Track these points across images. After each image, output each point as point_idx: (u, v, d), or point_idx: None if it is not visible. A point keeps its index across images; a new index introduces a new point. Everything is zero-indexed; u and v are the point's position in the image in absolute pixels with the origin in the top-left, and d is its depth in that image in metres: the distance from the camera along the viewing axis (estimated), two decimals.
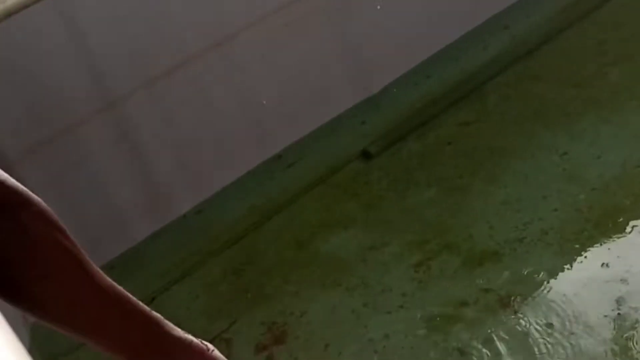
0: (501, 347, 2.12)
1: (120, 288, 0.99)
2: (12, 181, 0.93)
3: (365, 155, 3.11)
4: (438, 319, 2.29)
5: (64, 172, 2.83)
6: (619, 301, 2.13)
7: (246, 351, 2.45)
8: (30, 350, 2.63)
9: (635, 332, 2.03)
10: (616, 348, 2.01)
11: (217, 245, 2.97)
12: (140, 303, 1.00)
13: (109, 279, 0.98)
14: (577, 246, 2.36)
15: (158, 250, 3.00)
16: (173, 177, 3.07)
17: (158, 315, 1.02)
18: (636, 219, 2.38)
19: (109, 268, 2.94)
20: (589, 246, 2.34)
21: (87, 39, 2.70)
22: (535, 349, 2.07)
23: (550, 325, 2.12)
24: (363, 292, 2.52)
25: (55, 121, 2.76)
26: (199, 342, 1.06)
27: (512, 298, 2.25)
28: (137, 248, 3.03)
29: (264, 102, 3.11)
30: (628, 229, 2.36)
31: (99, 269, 0.98)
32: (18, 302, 0.95)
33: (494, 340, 2.14)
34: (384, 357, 2.25)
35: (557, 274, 2.28)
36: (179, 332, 1.02)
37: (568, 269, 2.28)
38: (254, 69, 3.04)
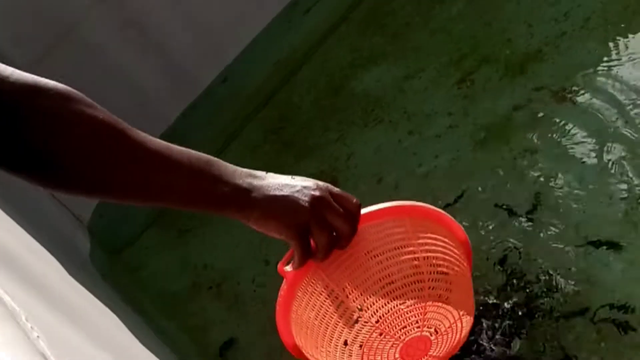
0: (571, 132, 2.02)
1: (168, 144, 0.93)
2: (18, 74, 0.86)
3: None
4: (493, 127, 2.19)
5: (79, 71, 2.73)
6: None
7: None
8: (92, 250, 2.67)
9: None
10: None
11: (250, 108, 2.89)
12: (198, 153, 0.95)
13: (159, 140, 0.93)
14: (623, 25, 2.19)
15: (193, 126, 2.95)
16: (189, 52, 2.95)
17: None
18: None
19: None
20: (637, 23, 2.17)
21: None
22: (606, 125, 1.97)
23: (613, 104, 2.01)
24: (407, 123, 2.43)
25: (55, 25, 2.65)
26: None
27: (567, 90, 2.12)
28: (171, 128, 2.98)
29: None
30: None
31: (146, 134, 0.92)
32: (81, 190, 0.90)
33: (559, 132, 2.04)
34: (439, 176, 2.18)
35: (608, 58, 2.13)
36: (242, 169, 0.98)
37: (617, 50, 2.13)
38: None
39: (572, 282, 1.72)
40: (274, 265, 2.34)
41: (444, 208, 2.11)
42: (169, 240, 2.71)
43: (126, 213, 2.86)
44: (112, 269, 2.62)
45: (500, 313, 1.74)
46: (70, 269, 2.00)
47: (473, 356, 1.67)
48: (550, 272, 1.77)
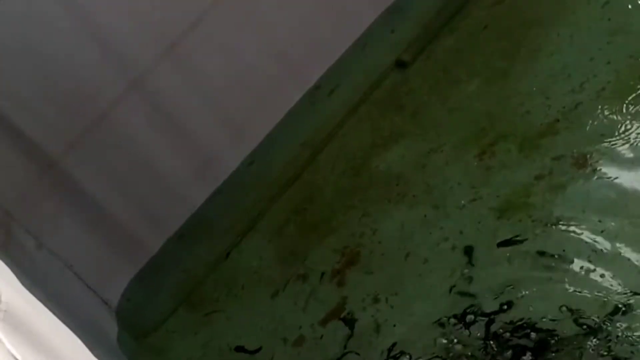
0: (593, 199, 2.02)
1: None
2: None
3: (400, 64, 3.01)
4: (515, 198, 2.20)
5: (108, 159, 2.83)
6: None
7: (322, 280, 2.43)
8: (120, 335, 2.68)
9: None
10: None
11: (275, 190, 2.93)
12: None
13: None
14: (637, 94, 2.22)
15: (220, 209, 2.98)
16: (216, 136, 3.03)
17: None
18: None
19: (178, 237, 2.95)
20: None
21: (95, 20, 2.67)
22: (625, 189, 1.97)
23: (632, 168, 2.01)
24: (430, 197, 2.45)
25: (87, 112, 2.75)
26: None
27: (588, 156, 2.14)
28: (200, 212, 3.02)
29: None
30: None
31: None
32: None
33: (580, 199, 2.04)
34: (468, 253, 2.18)
35: (624, 126, 2.15)
36: None
37: (631, 118, 2.16)
38: (269, 7, 2.95)
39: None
40: (292, 343, 2.29)
41: (470, 276, 2.12)
42: (194, 323, 2.70)
43: (153, 297, 2.87)
44: (139, 352, 2.61)
45: None
46: (98, 353, 2.00)
47: None
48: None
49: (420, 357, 2.00)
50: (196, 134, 3.00)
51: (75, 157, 2.74)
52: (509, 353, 1.88)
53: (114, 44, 2.73)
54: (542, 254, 2.03)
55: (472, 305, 2.06)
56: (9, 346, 1.18)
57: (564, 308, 1.88)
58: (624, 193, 2.02)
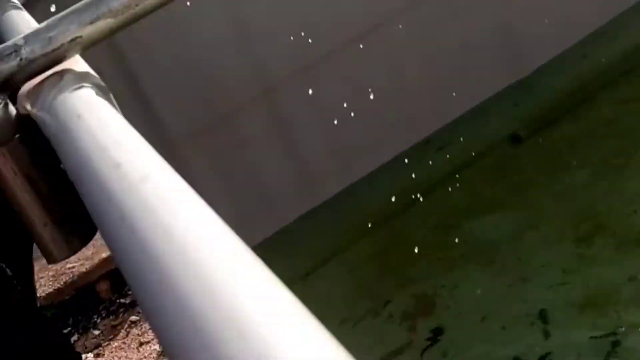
0: None
1: None
2: None
3: (515, 138, 3.07)
4: (603, 293, 2.21)
5: (223, 155, 2.98)
6: None
7: (392, 321, 2.48)
8: None
9: None
10: None
11: (365, 227, 3.00)
12: None
13: None
14: None
15: (310, 230, 3.08)
16: (324, 161, 3.15)
17: None
18: None
19: (262, 247, 3.05)
20: None
21: (249, 28, 2.85)
22: None
23: None
24: (520, 268, 2.49)
25: (217, 107, 2.92)
26: None
27: None
28: (288, 228, 3.12)
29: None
30: None
31: None
32: None
33: None
34: (545, 332, 2.20)
35: None
36: None
37: None
38: (406, 52, 3.09)
39: None
40: None
41: (542, 356, 2.13)
42: None
43: None
44: None
45: None
46: None
47: None
48: None
49: None
50: (306, 153, 3.13)
51: (193, 147, 2.91)
52: None
53: (258, 55, 2.92)
54: (621, 351, 2.03)
55: None
56: None
57: None
58: None
